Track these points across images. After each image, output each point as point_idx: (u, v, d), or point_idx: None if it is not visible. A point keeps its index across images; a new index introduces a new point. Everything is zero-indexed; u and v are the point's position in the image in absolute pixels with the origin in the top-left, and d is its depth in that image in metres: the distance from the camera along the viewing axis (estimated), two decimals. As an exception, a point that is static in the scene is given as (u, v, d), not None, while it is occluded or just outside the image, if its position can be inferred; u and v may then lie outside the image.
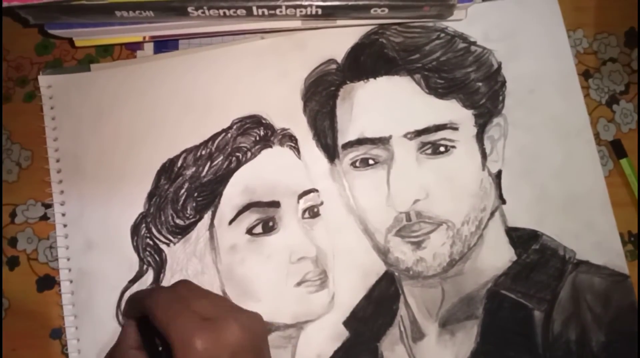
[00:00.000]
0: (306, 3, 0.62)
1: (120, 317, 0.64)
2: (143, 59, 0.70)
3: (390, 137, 0.64)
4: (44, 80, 0.68)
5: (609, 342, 0.62)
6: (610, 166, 0.68)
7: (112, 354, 0.59)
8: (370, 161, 0.65)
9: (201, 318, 0.52)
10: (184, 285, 0.59)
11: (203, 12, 0.62)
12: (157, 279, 0.64)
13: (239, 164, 0.65)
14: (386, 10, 0.63)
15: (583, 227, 0.65)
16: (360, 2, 0.62)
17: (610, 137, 0.69)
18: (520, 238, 0.65)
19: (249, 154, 0.65)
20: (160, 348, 0.59)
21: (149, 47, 0.70)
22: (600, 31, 0.71)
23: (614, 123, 0.69)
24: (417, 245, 0.64)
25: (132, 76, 0.68)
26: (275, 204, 0.64)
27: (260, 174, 0.65)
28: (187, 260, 0.64)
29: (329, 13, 0.63)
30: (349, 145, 0.65)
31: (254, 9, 0.62)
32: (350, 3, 0.62)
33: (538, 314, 0.63)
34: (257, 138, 0.66)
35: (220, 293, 0.64)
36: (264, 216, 0.64)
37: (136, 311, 0.58)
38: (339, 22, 0.66)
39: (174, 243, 0.65)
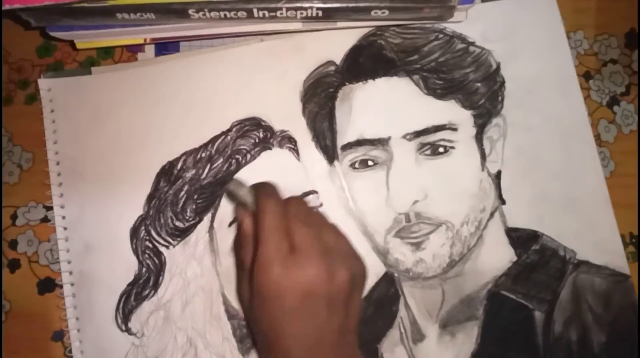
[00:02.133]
0: (307, 5, 0.62)
1: (120, 319, 0.64)
2: (142, 62, 0.70)
3: (389, 138, 0.64)
4: (44, 83, 0.69)
5: (610, 343, 0.62)
6: (612, 167, 0.68)
7: (236, 239, 0.60)
8: (370, 162, 0.65)
9: (291, 247, 0.52)
10: (296, 204, 0.57)
11: (204, 15, 0.62)
12: (155, 282, 0.64)
13: (239, 166, 0.65)
14: (386, 12, 0.63)
15: (583, 227, 0.65)
16: (361, 4, 0.62)
17: (611, 138, 0.69)
18: (520, 238, 0.65)
19: (248, 156, 0.65)
20: None
21: (149, 50, 0.70)
22: (600, 32, 0.71)
23: (614, 124, 0.69)
24: (417, 246, 0.64)
25: (131, 79, 0.68)
26: (276, 206, 0.64)
27: (259, 176, 0.64)
28: (186, 263, 0.64)
29: (329, 15, 0.63)
30: (348, 146, 0.65)
31: (255, 11, 0.62)
32: (350, 5, 0.62)
33: (539, 315, 0.63)
34: (257, 140, 0.66)
35: (221, 297, 0.64)
36: (264, 218, 0.64)
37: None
38: (339, 23, 0.66)
39: (173, 246, 0.65)
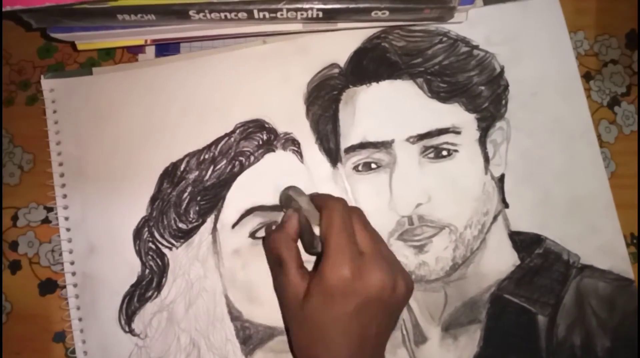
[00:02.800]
0: (307, 6, 0.62)
1: (123, 320, 0.64)
2: (145, 63, 0.70)
3: (392, 141, 0.65)
4: (46, 84, 0.68)
5: (614, 347, 0.62)
6: (613, 167, 0.68)
7: (273, 235, 0.59)
8: (373, 165, 0.65)
9: (359, 251, 0.54)
10: (357, 211, 0.59)
11: (204, 16, 0.61)
12: (159, 284, 0.64)
13: (242, 168, 0.65)
14: (387, 12, 0.63)
15: (587, 231, 0.65)
16: (361, 5, 0.62)
17: (612, 139, 0.69)
18: (523, 242, 0.65)
19: (252, 158, 0.65)
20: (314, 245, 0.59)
21: (150, 51, 0.70)
22: (601, 33, 0.71)
23: (615, 125, 0.69)
24: (420, 248, 0.64)
25: (134, 80, 0.68)
26: (278, 208, 0.64)
27: (263, 178, 0.65)
28: (189, 264, 0.64)
29: (330, 16, 0.63)
30: (352, 149, 0.66)
31: (255, 12, 0.62)
32: (351, 6, 0.62)
33: (542, 319, 0.63)
34: (260, 142, 0.66)
35: (224, 298, 0.64)
36: (267, 220, 0.64)
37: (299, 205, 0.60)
38: (340, 25, 0.66)
39: (177, 247, 0.65)
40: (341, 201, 0.58)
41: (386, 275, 0.54)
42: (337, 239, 0.54)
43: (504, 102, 0.67)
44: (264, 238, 0.64)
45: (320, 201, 0.58)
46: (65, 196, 0.67)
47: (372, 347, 0.55)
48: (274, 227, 0.64)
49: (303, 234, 0.59)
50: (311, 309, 0.54)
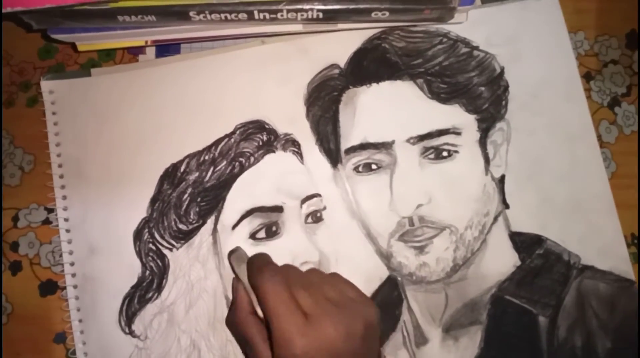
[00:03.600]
0: (307, 7, 0.62)
1: (124, 322, 0.64)
2: (144, 64, 0.70)
3: (393, 142, 0.65)
4: (46, 85, 0.68)
5: (615, 348, 0.62)
6: (613, 168, 0.68)
7: (232, 319, 0.58)
8: (373, 166, 0.65)
9: (303, 313, 0.52)
10: (291, 269, 0.58)
11: (205, 17, 0.61)
12: (159, 285, 0.64)
13: (242, 169, 0.65)
14: (387, 13, 0.63)
15: (588, 232, 0.65)
16: (361, 6, 0.62)
17: (612, 139, 0.69)
18: (524, 243, 0.65)
19: (252, 159, 0.65)
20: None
21: (150, 52, 0.70)
22: (601, 33, 0.72)
23: (615, 125, 0.69)
24: (420, 249, 0.64)
25: (133, 81, 0.68)
26: (279, 209, 0.64)
27: (263, 179, 0.65)
28: (190, 265, 0.64)
29: (330, 17, 0.63)
30: (352, 150, 0.66)
31: (255, 13, 0.62)
32: (351, 7, 0.62)
33: (543, 320, 0.63)
34: (260, 143, 0.66)
35: (224, 299, 0.64)
36: (267, 221, 0.64)
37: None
38: (340, 25, 0.66)
39: (177, 248, 0.65)
40: (267, 272, 0.55)
41: (334, 326, 0.51)
42: (277, 317, 0.51)
43: (504, 103, 0.67)
44: (226, 320, 0.62)
45: (251, 273, 0.57)
46: (65, 197, 0.67)
47: None
48: (274, 228, 0.64)
49: None
50: None
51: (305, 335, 0.51)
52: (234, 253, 0.62)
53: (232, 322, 0.58)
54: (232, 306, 0.60)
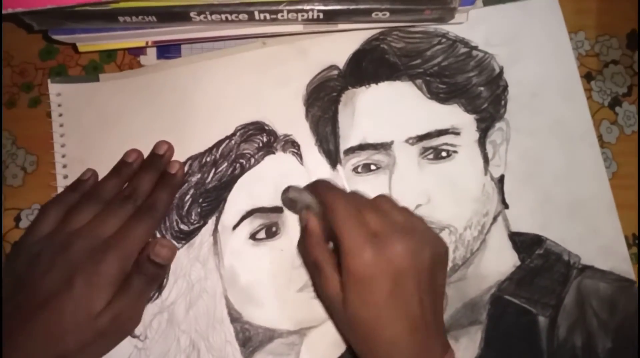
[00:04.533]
0: (307, 7, 0.62)
1: None
2: (149, 69, 0.70)
3: (392, 142, 0.65)
4: (53, 88, 0.69)
5: (616, 349, 0.62)
6: (614, 168, 0.68)
7: (304, 242, 0.60)
8: (372, 167, 0.65)
9: (372, 232, 0.53)
10: (356, 195, 0.60)
11: (205, 17, 0.62)
12: (160, 285, 0.64)
13: (243, 170, 0.65)
14: (387, 14, 0.63)
15: (588, 232, 0.65)
16: (362, 6, 0.62)
17: (613, 139, 0.69)
18: (523, 242, 0.65)
19: (252, 160, 0.66)
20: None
21: (151, 52, 0.70)
22: (601, 33, 0.71)
23: (616, 125, 0.69)
24: (421, 250, 0.64)
25: (139, 86, 0.68)
26: (278, 209, 0.64)
27: (263, 181, 0.65)
28: (190, 265, 0.64)
29: (330, 17, 0.63)
30: (351, 151, 0.66)
31: (256, 13, 0.62)
32: (351, 7, 0.62)
33: (543, 320, 0.63)
34: (260, 145, 0.66)
35: (224, 300, 0.64)
36: (268, 222, 0.64)
37: (314, 196, 0.60)
38: (341, 26, 0.66)
39: (178, 248, 0.65)
40: (336, 190, 0.58)
41: (406, 243, 0.53)
42: (347, 228, 0.53)
43: (503, 103, 0.67)
44: (298, 246, 0.64)
45: (319, 195, 0.58)
46: (67, 197, 0.67)
47: (426, 321, 0.54)
48: (274, 229, 0.64)
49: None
50: (351, 308, 0.53)
51: (374, 246, 0.52)
52: (289, 190, 0.62)
53: (304, 248, 0.59)
54: (304, 234, 0.60)
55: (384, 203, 0.58)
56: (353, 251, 0.52)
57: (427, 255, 0.54)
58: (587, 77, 0.70)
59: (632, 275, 0.64)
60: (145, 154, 0.66)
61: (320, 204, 0.58)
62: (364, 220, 0.54)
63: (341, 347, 0.63)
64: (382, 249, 0.52)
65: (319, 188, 0.60)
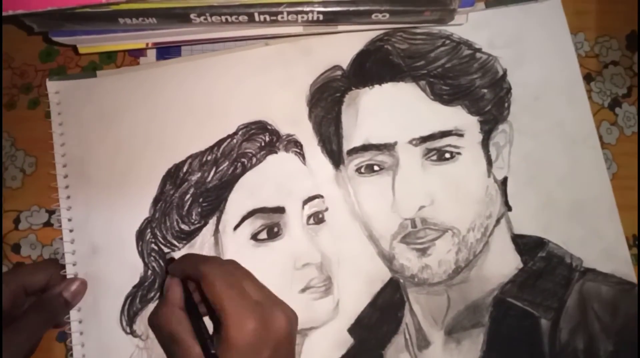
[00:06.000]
0: (307, 9, 0.62)
1: (125, 321, 0.64)
2: (149, 66, 0.70)
3: (395, 143, 0.65)
4: (51, 86, 0.68)
5: (617, 352, 0.62)
6: (614, 169, 0.68)
7: (159, 311, 0.58)
8: (376, 167, 0.65)
9: (254, 302, 0.53)
10: (234, 264, 0.59)
11: (205, 19, 0.61)
12: (161, 285, 0.64)
13: (244, 169, 0.65)
14: (387, 15, 0.63)
15: (590, 234, 0.65)
16: (361, 8, 0.62)
17: (613, 140, 0.69)
18: (526, 245, 0.65)
19: (254, 159, 0.66)
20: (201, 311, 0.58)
21: (151, 54, 0.70)
22: (601, 34, 0.72)
23: (616, 126, 0.70)
24: (423, 251, 0.64)
25: (138, 82, 0.68)
26: (280, 210, 0.64)
27: (265, 180, 0.65)
28: (191, 266, 0.64)
29: (330, 19, 0.63)
30: (354, 151, 0.66)
31: (256, 15, 0.62)
32: (351, 9, 0.62)
33: (545, 322, 0.63)
34: (263, 144, 0.66)
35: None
36: (269, 222, 0.64)
37: (182, 273, 0.59)
38: (341, 27, 0.67)
39: (179, 249, 0.65)
40: (216, 261, 0.59)
41: (285, 313, 0.55)
42: (228, 299, 0.52)
43: (506, 105, 0.68)
44: (149, 318, 0.62)
45: (192, 266, 0.57)
46: (68, 197, 0.67)
47: None
48: (276, 229, 0.64)
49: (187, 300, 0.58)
50: None
51: (257, 316, 0.52)
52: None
53: (160, 320, 0.57)
54: (160, 304, 0.59)
55: (252, 275, 0.59)
56: (236, 321, 0.51)
57: (295, 323, 0.56)
58: (587, 78, 0.70)
59: (634, 278, 0.65)
60: (147, 149, 0.67)
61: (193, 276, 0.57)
62: (244, 290, 0.54)
63: (342, 348, 0.64)
64: (265, 319, 0.53)
65: (191, 259, 0.60)
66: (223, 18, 0.62)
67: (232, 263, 0.58)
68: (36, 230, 0.68)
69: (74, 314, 0.65)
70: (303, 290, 0.64)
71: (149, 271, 0.65)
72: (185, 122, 0.67)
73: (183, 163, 0.66)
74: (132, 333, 0.64)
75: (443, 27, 0.68)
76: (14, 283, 0.61)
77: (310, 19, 0.63)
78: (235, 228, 0.64)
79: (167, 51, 0.70)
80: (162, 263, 0.65)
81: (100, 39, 0.65)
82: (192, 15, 0.61)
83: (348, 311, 0.64)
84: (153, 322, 0.58)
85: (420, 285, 0.64)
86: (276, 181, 0.65)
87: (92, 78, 0.69)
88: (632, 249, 0.66)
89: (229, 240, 0.64)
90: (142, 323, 0.64)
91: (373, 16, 0.63)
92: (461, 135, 0.65)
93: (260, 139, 0.66)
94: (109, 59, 0.70)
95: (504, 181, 0.66)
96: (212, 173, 0.65)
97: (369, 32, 0.68)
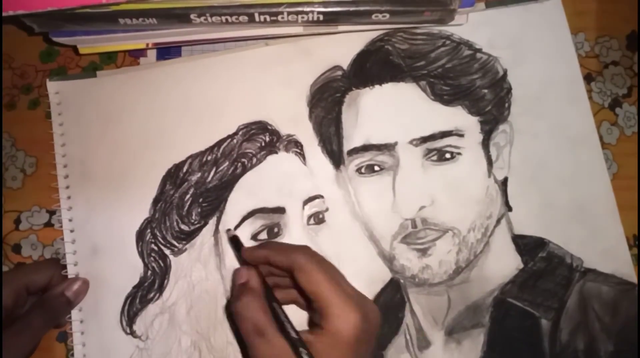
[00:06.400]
0: (307, 9, 0.62)
1: (125, 322, 0.64)
2: (149, 65, 0.70)
3: (395, 143, 0.65)
4: (52, 86, 0.68)
5: (618, 352, 0.62)
6: (615, 169, 0.68)
7: (242, 300, 0.55)
8: (376, 168, 0.65)
9: (350, 295, 0.53)
10: (321, 256, 0.58)
11: (205, 19, 0.61)
12: (161, 285, 0.64)
13: (245, 170, 0.65)
14: (387, 15, 0.63)
15: (590, 235, 0.65)
16: (361, 8, 0.62)
17: (614, 140, 0.69)
18: (526, 245, 0.65)
19: (254, 160, 0.65)
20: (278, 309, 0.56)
21: (152, 54, 0.70)
22: (601, 35, 0.72)
23: (617, 126, 0.70)
24: (423, 252, 0.64)
25: (138, 82, 0.68)
26: (280, 210, 0.64)
27: (265, 180, 0.65)
28: (191, 266, 0.64)
29: (330, 19, 0.63)
30: (355, 151, 0.66)
31: (256, 15, 0.62)
32: (351, 9, 0.62)
33: (545, 323, 0.63)
34: (263, 144, 0.66)
35: (225, 301, 0.64)
36: (269, 222, 0.64)
37: (266, 261, 0.57)
38: (341, 28, 0.66)
39: (179, 249, 0.65)
40: (309, 250, 0.57)
41: (376, 308, 0.55)
42: (332, 291, 0.52)
43: (507, 105, 0.68)
44: (228, 308, 0.62)
45: (285, 253, 0.56)
46: (69, 197, 0.67)
47: None
48: (276, 229, 0.64)
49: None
50: None
51: (360, 312, 0.52)
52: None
53: (243, 310, 0.54)
54: (241, 292, 0.56)
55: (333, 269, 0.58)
56: (342, 313, 0.51)
57: (380, 318, 0.56)
58: (587, 78, 0.70)
59: (634, 278, 0.65)
60: (147, 149, 0.67)
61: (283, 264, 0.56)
62: (343, 282, 0.55)
63: (343, 348, 0.64)
64: (365, 312, 0.52)
65: (278, 247, 0.59)
66: (223, 18, 0.62)
67: (320, 255, 0.58)
68: (37, 230, 0.68)
69: (75, 314, 0.65)
70: (303, 291, 0.63)
71: (149, 272, 0.65)
72: (186, 123, 0.67)
73: (183, 163, 0.66)
74: (132, 333, 0.64)
75: (443, 27, 0.68)
76: (16, 282, 0.61)
77: (310, 19, 0.63)
78: (236, 228, 0.64)
79: (167, 51, 0.70)
80: (162, 264, 0.65)
81: (101, 39, 0.65)
82: (192, 16, 0.61)
83: (348, 312, 0.64)
84: (237, 310, 0.55)
85: (421, 285, 0.64)
86: (276, 181, 0.65)
87: (93, 78, 0.69)
88: (633, 249, 0.66)
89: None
90: (142, 323, 0.64)
91: (373, 16, 0.63)
92: (461, 135, 0.65)
93: (261, 139, 0.66)
94: (110, 60, 0.70)
95: (505, 181, 0.66)
96: (212, 173, 0.65)
97: (369, 32, 0.68)
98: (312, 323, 0.55)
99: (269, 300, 0.56)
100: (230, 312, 0.60)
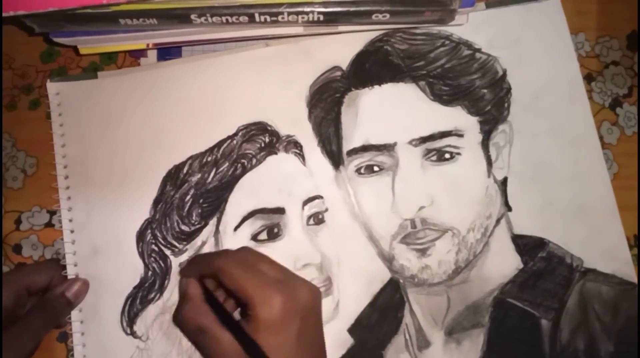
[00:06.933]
0: (308, 9, 0.62)
1: (125, 322, 0.64)
2: (149, 66, 0.70)
3: (395, 144, 0.65)
4: (52, 87, 0.68)
5: (618, 352, 0.62)
6: (615, 169, 0.68)
7: (183, 308, 0.58)
8: (375, 168, 0.65)
9: (274, 280, 0.55)
10: (246, 250, 0.62)
11: (206, 20, 0.61)
12: (161, 286, 0.64)
13: (244, 170, 0.65)
14: (387, 15, 0.63)
15: (590, 234, 0.65)
16: (362, 8, 0.62)
17: (614, 140, 0.69)
18: (526, 245, 0.65)
19: (254, 160, 0.66)
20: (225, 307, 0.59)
21: (152, 55, 0.70)
22: (602, 34, 0.72)
23: (617, 126, 0.70)
24: (422, 252, 0.64)
25: (138, 83, 0.68)
26: (280, 210, 0.64)
27: (265, 181, 0.65)
28: (192, 267, 0.64)
29: (330, 19, 0.63)
30: (354, 152, 0.66)
31: (256, 15, 0.62)
32: (351, 9, 0.62)
33: (545, 323, 0.63)
34: (263, 145, 0.66)
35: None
36: (269, 223, 0.64)
37: (197, 272, 0.60)
38: (341, 28, 0.66)
39: (179, 249, 0.65)
40: (228, 252, 0.61)
41: (307, 284, 0.57)
42: (249, 281, 0.54)
43: (506, 105, 0.68)
44: (173, 317, 0.63)
45: (206, 265, 0.59)
46: (69, 198, 0.67)
47: (325, 351, 0.58)
48: (276, 230, 0.64)
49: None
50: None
51: (281, 291, 0.54)
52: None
53: (185, 316, 0.58)
54: (182, 302, 0.60)
55: (268, 257, 0.60)
56: (262, 299, 0.53)
57: (318, 295, 0.58)
58: (588, 78, 0.70)
59: (634, 278, 0.65)
60: (148, 150, 0.67)
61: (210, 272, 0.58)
62: (262, 271, 0.56)
63: (342, 348, 0.64)
64: (289, 292, 0.54)
65: (203, 257, 0.63)
66: (224, 19, 0.62)
67: (245, 250, 0.61)
68: (37, 231, 0.68)
69: (75, 314, 0.65)
70: (303, 291, 0.63)
71: (149, 272, 0.65)
72: (186, 123, 0.67)
73: (183, 164, 0.66)
74: (133, 334, 0.64)
75: (443, 27, 0.68)
76: (17, 283, 0.61)
77: (310, 19, 0.63)
78: (236, 228, 0.64)
79: (167, 52, 0.70)
80: (162, 264, 0.65)
81: (101, 39, 0.65)
82: (192, 16, 0.61)
83: (348, 312, 0.64)
84: (178, 319, 0.59)
85: (420, 285, 0.64)
86: (276, 182, 0.65)
87: (93, 79, 0.69)
88: (633, 249, 0.66)
89: (229, 240, 0.64)
90: (142, 324, 0.64)
91: (373, 16, 0.63)
92: (461, 135, 0.65)
93: (260, 140, 0.66)
94: (110, 60, 0.71)
95: (504, 181, 0.66)
96: (212, 174, 0.65)
97: (369, 32, 0.68)
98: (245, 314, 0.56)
99: (210, 301, 0.58)
100: (178, 323, 0.62)
